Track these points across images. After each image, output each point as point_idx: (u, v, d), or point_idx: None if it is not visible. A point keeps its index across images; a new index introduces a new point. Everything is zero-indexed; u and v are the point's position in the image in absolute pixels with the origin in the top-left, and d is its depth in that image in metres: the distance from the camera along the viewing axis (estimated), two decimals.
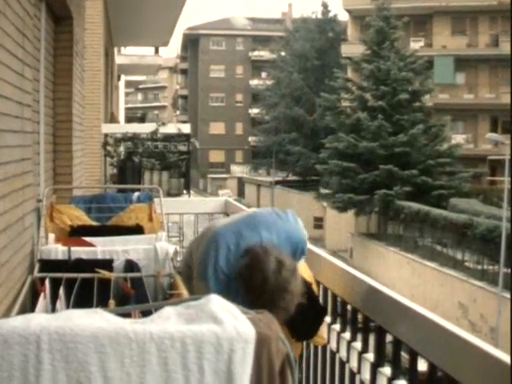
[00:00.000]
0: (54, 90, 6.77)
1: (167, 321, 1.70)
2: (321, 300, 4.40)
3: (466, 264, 28.64)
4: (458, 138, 44.97)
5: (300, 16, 63.02)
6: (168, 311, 1.75)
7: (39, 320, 1.67)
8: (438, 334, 2.77)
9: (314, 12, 59.37)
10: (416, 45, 46.15)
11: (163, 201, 4.93)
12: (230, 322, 1.69)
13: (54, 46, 6.73)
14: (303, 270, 3.60)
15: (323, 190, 43.47)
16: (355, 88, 40.88)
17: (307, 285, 3.49)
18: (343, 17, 56.40)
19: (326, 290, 4.33)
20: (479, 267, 27.56)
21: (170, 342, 1.64)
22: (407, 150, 36.61)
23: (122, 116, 34.01)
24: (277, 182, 57.63)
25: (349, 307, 3.88)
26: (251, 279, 3.15)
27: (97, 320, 1.66)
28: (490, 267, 26.87)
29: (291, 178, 58.31)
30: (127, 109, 53.05)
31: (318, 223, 47.86)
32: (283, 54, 62.03)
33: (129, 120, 39.81)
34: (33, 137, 4.77)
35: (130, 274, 3.92)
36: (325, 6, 58.15)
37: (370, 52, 39.64)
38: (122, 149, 13.82)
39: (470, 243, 28.24)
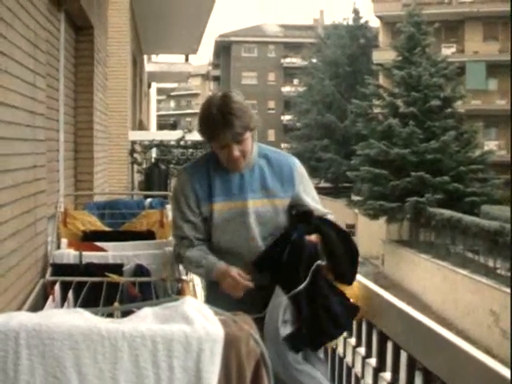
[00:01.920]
0: (74, 98, 6.92)
1: (143, 321, 1.79)
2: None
3: (498, 271, 28.41)
4: (491, 145, 44.63)
5: (331, 23, 63.03)
6: (146, 312, 1.84)
7: (20, 317, 1.76)
8: (441, 346, 2.76)
9: (345, 18, 59.31)
10: (448, 51, 45.90)
11: None
12: (199, 323, 1.77)
13: (74, 56, 6.88)
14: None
15: (355, 197, 43.35)
16: (386, 94, 40.73)
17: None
18: (374, 23, 56.39)
19: None
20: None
21: (141, 341, 1.73)
22: (439, 156, 36.41)
23: (153, 123, 34.28)
24: None
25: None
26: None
27: (74, 318, 1.76)
28: None
29: (323, 184, 58.22)
30: (159, 116, 53.44)
31: (350, 230, 47.70)
32: (315, 60, 61.97)
33: (161, 127, 40.11)
34: (49, 144, 4.89)
35: (138, 279, 4.02)
36: (356, 12, 58.15)
37: (401, 58, 39.48)
38: (154, 155, 14.01)
39: (501, 250, 28.01)
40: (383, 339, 3.59)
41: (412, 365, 3.22)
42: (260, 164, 3.70)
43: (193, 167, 3.77)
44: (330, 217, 3.78)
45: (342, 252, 3.58)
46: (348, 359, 4.12)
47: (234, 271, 3.53)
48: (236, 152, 3.52)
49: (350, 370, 4.09)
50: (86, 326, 1.73)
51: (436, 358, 3.00)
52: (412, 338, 3.27)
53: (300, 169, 3.80)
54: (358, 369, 3.96)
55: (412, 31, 39.01)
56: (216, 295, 3.65)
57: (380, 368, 3.63)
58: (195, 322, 1.77)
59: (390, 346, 3.50)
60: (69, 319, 1.75)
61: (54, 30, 5.63)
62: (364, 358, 3.87)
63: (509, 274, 27.39)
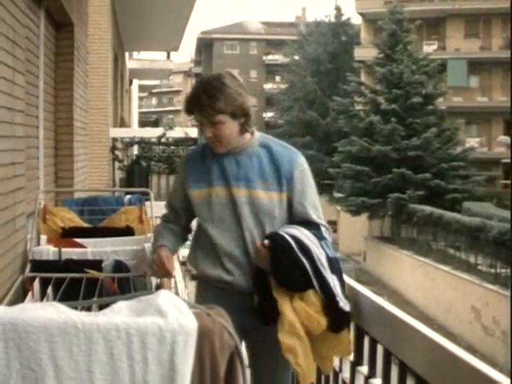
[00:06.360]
0: (55, 95, 6.91)
1: (118, 314, 1.82)
2: None
3: (479, 267, 28.54)
4: (472, 142, 44.89)
5: (313, 20, 63.09)
6: (121, 305, 1.86)
7: None
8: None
9: (327, 16, 59.39)
10: (429, 48, 46.05)
11: (154, 204, 5.07)
12: (173, 316, 1.80)
13: (54, 53, 6.87)
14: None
15: (337, 194, 43.45)
16: (368, 91, 40.83)
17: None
18: (356, 20, 56.46)
19: None
20: (492, 270, 27.46)
21: (116, 333, 1.75)
22: (420, 153, 36.55)
23: (135, 120, 34.18)
24: None
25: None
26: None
27: (49, 312, 1.78)
28: (503, 270, 26.78)
29: None
30: (141, 113, 53.34)
31: (332, 227, 47.33)
32: (297, 57, 61.98)
33: (143, 124, 40.01)
34: (28, 141, 4.90)
35: (117, 275, 4.03)
36: (338, 9, 58.12)
37: (382, 55, 39.59)
38: (135, 152, 13.98)
39: (482, 246, 28.14)
40: (360, 333, 3.60)
41: (388, 358, 3.22)
42: (259, 153, 3.56)
43: (194, 149, 3.80)
44: (323, 229, 3.59)
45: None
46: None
47: (163, 254, 3.54)
48: (208, 133, 3.45)
49: None
50: (61, 319, 1.75)
51: (411, 352, 3.01)
52: (388, 332, 3.27)
53: (302, 167, 3.59)
54: (335, 362, 3.97)
55: (394, 28, 39.13)
56: (205, 299, 3.60)
57: (358, 362, 3.64)
58: (169, 314, 1.80)
59: (366, 340, 3.51)
60: (44, 313, 1.78)
61: (33, 27, 5.63)
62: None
63: (490, 270, 27.54)
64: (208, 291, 3.61)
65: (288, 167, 3.53)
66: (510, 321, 20.74)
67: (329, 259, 3.49)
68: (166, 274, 3.58)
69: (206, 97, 3.37)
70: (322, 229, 3.60)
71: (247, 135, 3.57)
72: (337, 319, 3.42)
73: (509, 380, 2.15)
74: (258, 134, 3.63)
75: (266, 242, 3.39)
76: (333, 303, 3.39)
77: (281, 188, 3.53)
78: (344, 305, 3.42)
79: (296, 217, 3.58)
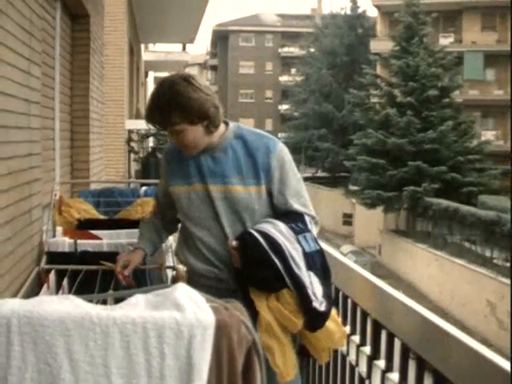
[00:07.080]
0: (71, 87, 6.91)
1: (135, 308, 1.80)
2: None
3: (495, 261, 28.47)
4: (488, 135, 44.66)
5: (329, 12, 62.91)
6: (138, 299, 1.85)
7: (12, 305, 1.78)
8: (439, 337, 2.72)
9: (343, 8, 59.23)
10: (445, 41, 45.81)
11: None
12: (191, 310, 1.77)
13: (70, 44, 6.87)
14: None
15: (352, 187, 43.36)
16: (384, 84, 40.69)
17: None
18: (372, 13, 56.27)
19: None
20: (507, 264, 27.37)
21: (132, 327, 1.74)
22: (436, 146, 36.38)
23: None
24: (306, 179, 57.22)
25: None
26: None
27: (65, 305, 1.77)
28: None
29: (320, 174, 58.24)
30: None
31: (347, 219, 47.75)
32: (312, 50, 61.89)
33: None
34: (44, 133, 4.89)
35: None
36: (354, 1, 57.91)
37: (398, 48, 39.42)
38: (151, 144, 13.99)
39: (498, 240, 28.06)
40: (377, 328, 3.57)
41: (405, 352, 3.20)
42: (234, 146, 3.42)
43: (172, 145, 3.59)
44: (307, 219, 3.47)
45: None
46: (343, 348, 4.11)
47: (121, 260, 3.66)
48: (172, 139, 3.41)
49: (344, 358, 4.08)
50: (77, 313, 1.74)
51: (428, 346, 2.99)
52: (406, 327, 3.25)
53: (279, 155, 3.43)
54: (352, 356, 3.95)
55: (410, 21, 38.96)
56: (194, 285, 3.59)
57: (374, 356, 3.62)
58: (186, 308, 1.78)
59: (384, 334, 3.48)
60: (60, 306, 1.76)
61: (49, 18, 5.63)
62: (358, 346, 3.85)
63: (506, 263, 27.44)
64: (199, 290, 3.52)
65: (264, 158, 3.40)
66: (510, 310, 20.72)
67: (305, 255, 3.35)
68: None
69: (158, 113, 3.27)
70: (307, 219, 3.47)
71: (220, 129, 3.44)
72: (312, 319, 3.34)
73: (509, 363, 2.14)
74: (232, 125, 3.50)
75: (234, 242, 3.33)
76: (306, 303, 3.30)
77: (259, 181, 3.41)
78: (319, 304, 3.32)
79: (278, 208, 3.47)
